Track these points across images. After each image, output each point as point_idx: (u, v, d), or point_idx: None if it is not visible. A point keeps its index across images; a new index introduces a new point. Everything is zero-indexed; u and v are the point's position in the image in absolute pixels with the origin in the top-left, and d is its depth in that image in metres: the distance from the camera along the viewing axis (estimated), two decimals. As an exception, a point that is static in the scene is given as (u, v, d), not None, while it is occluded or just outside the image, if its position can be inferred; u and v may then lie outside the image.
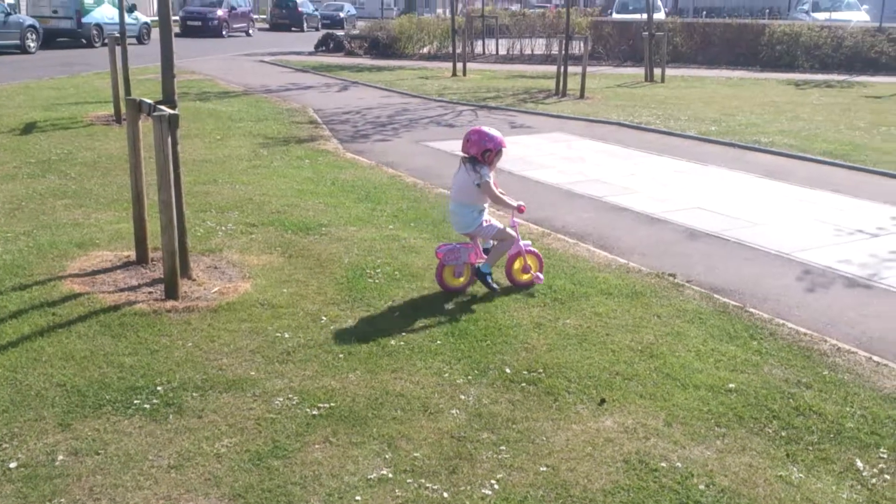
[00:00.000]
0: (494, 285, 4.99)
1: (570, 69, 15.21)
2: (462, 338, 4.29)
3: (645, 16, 18.42)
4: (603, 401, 3.67)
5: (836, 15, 24.32)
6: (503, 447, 3.27)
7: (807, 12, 25.92)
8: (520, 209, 4.98)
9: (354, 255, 5.56)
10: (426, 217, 6.63)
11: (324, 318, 4.49)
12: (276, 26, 43.06)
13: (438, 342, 4.23)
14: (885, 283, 5.39)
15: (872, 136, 11.00)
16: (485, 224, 4.96)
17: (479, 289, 5.00)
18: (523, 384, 3.80)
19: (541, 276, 5.11)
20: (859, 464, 3.22)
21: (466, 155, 4.89)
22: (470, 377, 3.86)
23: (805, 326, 4.63)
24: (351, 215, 6.60)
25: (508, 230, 5.02)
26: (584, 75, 15.06)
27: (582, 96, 14.89)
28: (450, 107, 14.05)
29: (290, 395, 3.62)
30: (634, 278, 5.32)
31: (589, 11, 28.92)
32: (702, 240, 6.36)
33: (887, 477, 3.14)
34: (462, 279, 4.99)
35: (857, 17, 24.55)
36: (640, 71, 18.97)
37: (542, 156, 9.71)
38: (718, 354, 4.18)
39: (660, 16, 24.49)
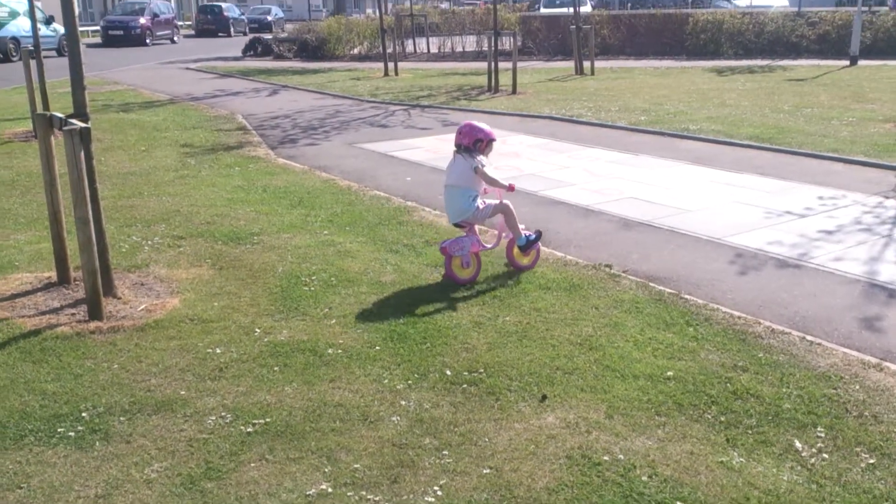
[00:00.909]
0: (533, 235, 5.34)
1: (502, 65, 15.26)
2: (401, 342, 4.22)
3: (572, 9, 18.59)
4: (544, 397, 3.65)
5: (756, 1, 25.04)
6: (445, 452, 3.21)
7: (729, 0, 26.60)
8: (510, 188, 5.28)
9: (288, 263, 5.42)
10: (362, 220, 6.53)
11: (257, 330, 4.36)
12: (202, 32, 42.22)
13: (377, 348, 4.15)
14: (815, 262, 5.51)
15: (796, 118, 11.30)
16: (481, 207, 5.25)
17: (426, 291, 4.93)
18: (464, 385, 3.75)
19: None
20: (798, 444, 3.26)
21: (460, 145, 5.29)
22: (410, 382, 3.79)
23: (739, 310, 4.69)
24: (284, 222, 6.45)
25: (503, 201, 5.32)
26: (514, 70, 15.12)
27: (514, 91, 14.95)
28: (382, 107, 13.95)
29: (223, 413, 3.50)
30: (572, 271, 5.33)
31: (518, 7, 29.09)
32: (636, 229, 6.41)
33: (825, 456, 3.18)
34: (470, 269, 5.18)
35: (777, 2, 25.31)
36: (570, 64, 19.16)
37: (476, 152, 9.68)
38: (656, 343, 4.20)
39: (586, 9, 24.80)
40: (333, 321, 4.49)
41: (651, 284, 5.08)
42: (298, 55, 25.85)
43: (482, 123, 5.36)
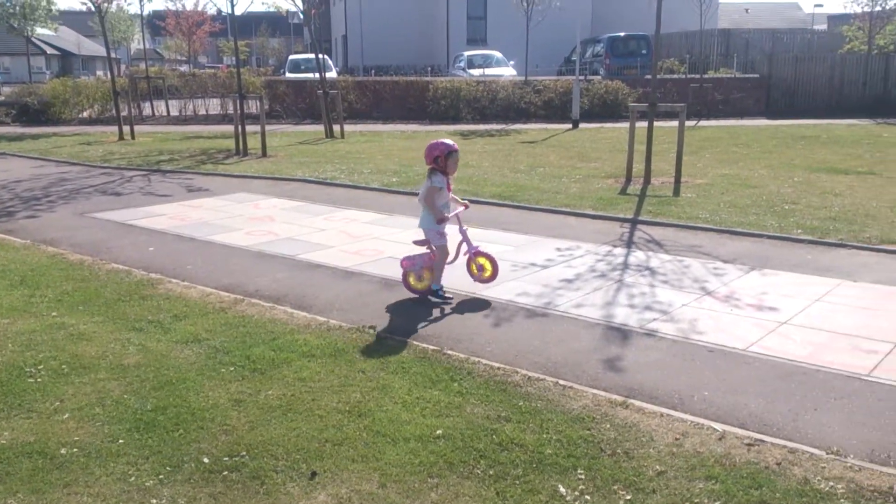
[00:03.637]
0: (447, 296, 5.99)
1: (250, 128, 14.96)
2: (150, 431, 3.79)
3: (318, 75, 18.82)
4: (314, 474, 3.44)
5: (488, 71, 26.96)
6: (207, 552, 2.88)
7: (463, 69, 28.44)
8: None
9: (9, 353, 4.72)
10: (98, 297, 5.91)
11: (-32, 436, 3.70)
12: None
13: (121, 442, 3.69)
14: (560, 309, 5.86)
15: (532, 177, 12.22)
16: (435, 231, 5.95)
17: (178, 370, 4.50)
18: (225, 472, 3.43)
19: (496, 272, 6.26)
20: (562, 489, 3.35)
21: (429, 166, 5.90)
22: (162, 476, 3.40)
23: (498, 361, 4.82)
24: (2, 306, 5.65)
25: (448, 248, 6.04)
26: (263, 133, 14.89)
27: (264, 155, 14.69)
28: (117, 173, 13.02)
29: (-78, 546, 2.88)
30: (336, 335, 5.19)
31: (262, 71, 28.97)
32: (396, 289, 6.43)
33: (588, 497, 3.29)
34: (424, 283, 6.03)
35: (507, 72, 27.48)
36: (319, 128, 19.30)
37: (227, 218, 9.29)
38: (424, 402, 4.17)
39: (332, 75, 25.22)
40: (66, 416, 3.94)
41: (415, 343, 5.08)
42: (18, 120, 23.51)
43: (443, 139, 5.92)
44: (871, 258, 7.23)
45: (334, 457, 3.59)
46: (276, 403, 4.12)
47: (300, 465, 3.51)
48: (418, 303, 6.03)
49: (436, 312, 5.81)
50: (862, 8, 28.86)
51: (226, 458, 3.55)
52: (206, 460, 3.53)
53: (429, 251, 6.04)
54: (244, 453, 3.60)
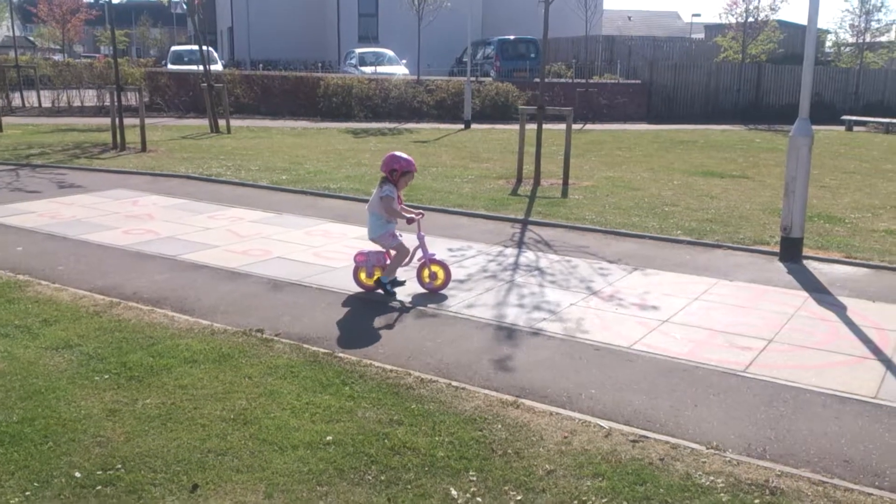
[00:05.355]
0: (390, 290, 6.10)
1: (129, 121, 14.28)
2: (15, 445, 3.52)
3: (202, 67, 18.18)
4: (195, 486, 3.28)
5: (380, 69, 26.81)
6: (77, 576, 2.69)
7: (355, 66, 28.17)
8: (408, 221, 6.00)
9: None
10: (-43, 301, 5.46)
11: None
12: None
13: (-19, 457, 3.40)
14: (452, 310, 5.86)
15: (425, 177, 12.20)
16: (387, 234, 6.03)
17: (47, 378, 4.19)
18: (98, 487, 3.22)
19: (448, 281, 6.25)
20: (454, 492, 3.33)
21: (383, 174, 5.99)
22: (28, 493, 3.16)
23: (390, 363, 4.77)
24: None
25: (405, 245, 6.08)
26: (143, 127, 14.25)
27: (144, 149, 14.06)
28: (-16, 167, 12.13)
29: None
30: (220, 340, 4.99)
31: (143, 62, 27.71)
32: (286, 290, 6.27)
33: (479, 500, 3.28)
34: (371, 281, 6.10)
35: (399, 70, 27.41)
36: (204, 122, 18.66)
37: (102, 216, 8.81)
38: (314, 407, 4.06)
39: (217, 68, 24.46)
40: (-83, 432, 3.60)
41: (305, 346, 4.96)
42: None
43: (404, 154, 6.00)
44: (745, 258, 7.62)
45: (217, 468, 3.43)
46: (154, 413, 3.91)
47: (181, 478, 3.33)
48: (308, 305, 5.90)
49: (327, 314, 5.70)
50: (736, 19, 30.57)
51: (99, 472, 3.33)
52: (77, 474, 3.30)
53: (382, 251, 6.12)
54: (119, 466, 3.39)
